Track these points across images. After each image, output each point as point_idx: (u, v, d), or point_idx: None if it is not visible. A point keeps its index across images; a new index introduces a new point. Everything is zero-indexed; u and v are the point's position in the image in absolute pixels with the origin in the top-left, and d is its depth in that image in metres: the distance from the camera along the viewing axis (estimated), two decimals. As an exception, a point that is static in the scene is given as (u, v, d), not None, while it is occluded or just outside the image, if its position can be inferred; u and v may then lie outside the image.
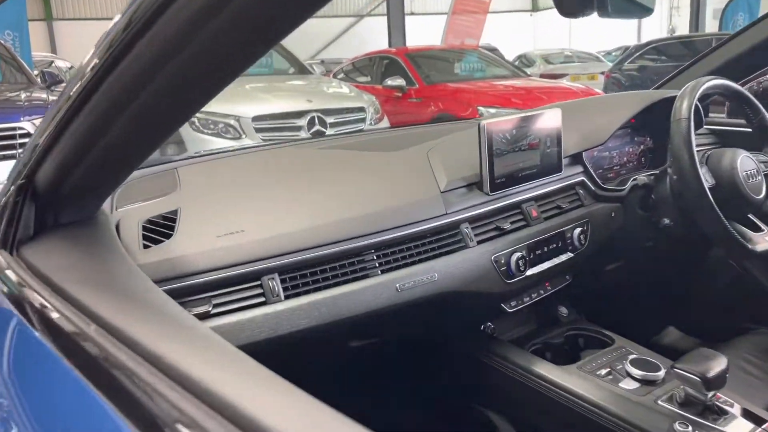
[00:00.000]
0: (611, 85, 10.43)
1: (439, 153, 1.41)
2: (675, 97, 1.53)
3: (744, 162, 1.55)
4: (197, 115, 4.95)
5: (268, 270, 1.06)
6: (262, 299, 1.05)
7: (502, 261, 1.34)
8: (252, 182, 1.27)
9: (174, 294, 0.97)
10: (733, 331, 1.93)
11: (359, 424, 0.46)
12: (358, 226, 1.16)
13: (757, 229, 1.60)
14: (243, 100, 5.13)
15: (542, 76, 10.66)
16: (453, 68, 7.47)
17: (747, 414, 1.19)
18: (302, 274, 1.10)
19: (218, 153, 1.60)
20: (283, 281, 1.07)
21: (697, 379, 1.15)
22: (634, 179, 1.70)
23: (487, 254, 1.31)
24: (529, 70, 10.14)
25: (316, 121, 5.02)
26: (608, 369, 1.35)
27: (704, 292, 2.01)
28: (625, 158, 1.85)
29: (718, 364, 1.17)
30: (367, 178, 1.30)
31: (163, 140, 0.74)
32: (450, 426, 1.50)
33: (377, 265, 1.17)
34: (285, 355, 1.12)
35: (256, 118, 4.92)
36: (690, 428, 1.13)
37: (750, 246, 1.50)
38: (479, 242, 1.32)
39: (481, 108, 5.88)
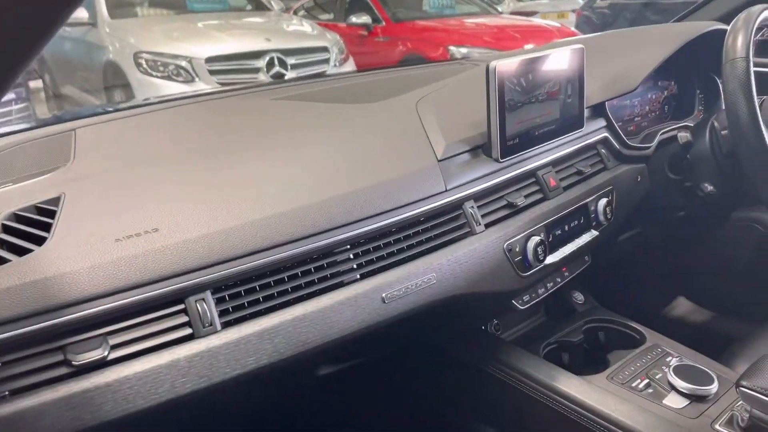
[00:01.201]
0: (583, 24, 10.07)
1: (431, 106, 1.06)
2: (724, 30, 1.20)
3: None
4: (144, 55, 4.48)
5: (195, 287, 0.72)
6: (188, 331, 0.71)
7: (517, 249, 1.02)
8: (178, 151, 0.91)
9: (43, 336, 0.64)
10: (756, 304, 1.69)
11: None
12: (326, 216, 0.82)
13: (813, 195, 1.32)
14: (195, 39, 4.69)
15: (512, 14, 10.26)
16: (421, 5, 7.05)
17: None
18: (247, 290, 0.76)
19: (148, 105, 1.23)
20: (219, 302, 0.74)
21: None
22: (663, 133, 1.39)
23: (499, 241, 0.99)
24: (499, 8, 9.73)
25: (276, 62, 4.59)
26: (646, 381, 1.06)
27: (723, 261, 1.75)
28: (647, 107, 1.53)
29: None
30: (338, 143, 0.95)
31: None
32: None
33: (354, 267, 0.84)
34: (223, 405, 0.80)
35: (210, 59, 4.47)
36: (766, 471, 0.86)
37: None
38: (487, 225, 1.00)
39: (451, 48, 5.53)
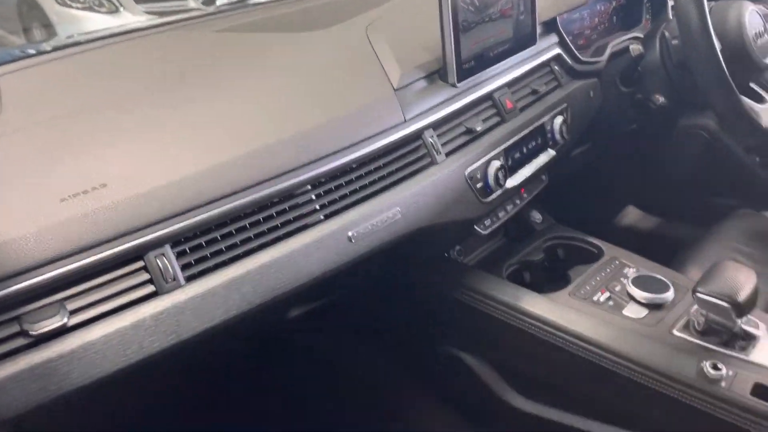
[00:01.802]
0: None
1: (382, 32, 1.01)
2: None
3: (752, 18, 1.25)
4: (60, -16, 4.14)
5: (153, 242, 0.68)
6: (151, 288, 0.68)
7: (478, 176, 1.01)
8: (118, 97, 0.84)
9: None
10: (702, 209, 1.75)
11: None
12: (284, 156, 0.78)
13: (761, 100, 1.35)
14: (114, -36, 4.35)
15: None
16: None
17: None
18: (209, 240, 0.73)
19: (76, 45, 1.13)
20: (180, 256, 0.71)
21: (726, 305, 0.91)
22: (613, 46, 1.38)
23: (460, 169, 0.98)
24: None
25: (206, -15, 4.33)
26: (607, 294, 1.09)
27: (670, 168, 1.79)
28: (596, 19, 1.51)
29: (747, 282, 0.93)
30: (290, 78, 0.89)
31: None
32: (422, 375, 1.25)
33: (318, 208, 0.82)
34: (194, 359, 0.79)
35: (132, -15, 4.17)
36: (724, 371, 0.90)
37: (758, 122, 1.24)
38: (448, 154, 0.98)
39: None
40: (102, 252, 0.65)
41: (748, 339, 0.97)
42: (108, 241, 0.65)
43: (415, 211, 0.90)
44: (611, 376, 0.98)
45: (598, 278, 1.13)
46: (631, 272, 1.14)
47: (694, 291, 0.95)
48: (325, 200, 0.82)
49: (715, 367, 0.91)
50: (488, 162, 1.02)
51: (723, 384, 0.90)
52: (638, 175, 1.83)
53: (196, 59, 0.93)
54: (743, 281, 0.93)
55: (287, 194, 0.79)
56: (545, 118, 1.17)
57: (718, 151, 1.67)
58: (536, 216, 1.33)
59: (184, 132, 0.76)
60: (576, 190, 1.65)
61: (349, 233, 0.82)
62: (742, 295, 0.91)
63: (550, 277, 1.21)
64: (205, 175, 0.72)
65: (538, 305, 1.07)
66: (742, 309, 0.91)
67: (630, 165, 1.80)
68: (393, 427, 1.27)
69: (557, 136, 1.19)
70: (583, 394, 1.04)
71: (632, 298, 1.07)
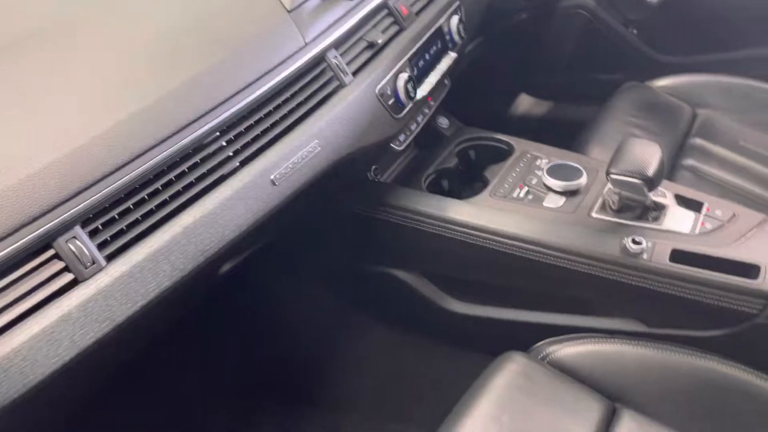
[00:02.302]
0: None
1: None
2: None
3: None
4: None
5: (60, 226, 0.61)
6: (70, 277, 0.61)
7: (388, 91, 0.97)
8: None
9: None
10: (590, 86, 1.81)
11: None
12: (184, 106, 0.71)
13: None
14: None
15: None
16: None
17: (682, 200, 1.05)
18: (122, 212, 0.66)
19: None
20: (93, 235, 0.63)
21: (639, 181, 0.96)
22: None
23: (370, 88, 0.94)
24: None
25: None
26: (525, 188, 1.12)
27: (555, 50, 1.83)
28: None
29: (654, 156, 0.97)
30: (167, 20, 0.79)
31: None
32: (358, 299, 1.24)
33: (231, 155, 0.76)
34: (135, 339, 0.73)
35: None
36: (644, 243, 0.96)
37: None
38: (355, 73, 0.93)
39: None
40: (3, 249, 0.57)
41: (659, 209, 1.03)
42: (7, 235, 0.57)
43: (334, 140, 0.86)
44: (540, 267, 1.02)
45: (513, 174, 1.15)
46: (543, 163, 1.17)
47: (608, 173, 0.98)
48: (237, 145, 0.76)
49: (635, 242, 0.96)
50: (396, 75, 0.98)
51: (645, 256, 0.95)
52: (526, 62, 1.86)
53: (52, 15, 0.80)
54: (650, 156, 0.97)
55: (197, 146, 0.72)
56: (442, 20, 1.13)
57: (598, 28, 1.71)
58: (443, 121, 1.32)
59: (63, 97, 0.66)
60: (470, 87, 1.66)
61: (272, 176, 0.77)
62: (652, 170, 0.95)
63: (467, 181, 1.22)
64: (99, 142, 0.64)
65: (461, 211, 1.08)
66: (653, 182, 0.96)
67: (517, 54, 1.82)
68: (338, 354, 1.28)
69: (455, 37, 1.16)
70: (516, 288, 1.08)
71: (549, 188, 1.10)
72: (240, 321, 1.27)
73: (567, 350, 0.95)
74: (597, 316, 1.04)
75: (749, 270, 0.92)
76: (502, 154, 1.23)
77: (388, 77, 0.96)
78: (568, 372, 0.93)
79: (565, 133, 1.70)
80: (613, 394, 0.90)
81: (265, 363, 1.28)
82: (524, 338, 0.99)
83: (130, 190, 0.66)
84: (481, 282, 1.11)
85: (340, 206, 1.11)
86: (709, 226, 1.00)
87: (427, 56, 1.09)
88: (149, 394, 1.18)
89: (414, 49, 1.04)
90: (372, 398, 1.23)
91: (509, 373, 0.91)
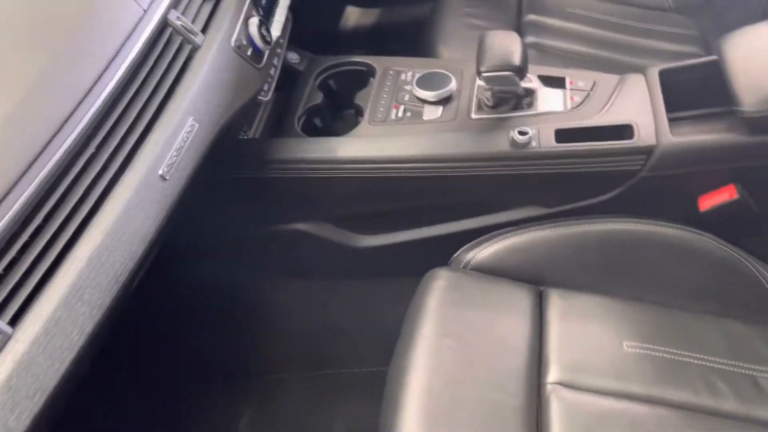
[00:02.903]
0: None
1: None
2: None
3: None
4: None
5: None
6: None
7: (244, 41, 0.88)
8: None
9: None
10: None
11: None
12: (30, 127, 0.59)
13: None
14: None
15: None
16: None
17: (546, 80, 1.09)
18: (7, 265, 0.55)
19: None
20: None
21: (509, 73, 0.97)
22: None
23: (225, 43, 0.84)
24: None
25: None
26: (401, 107, 1.10)
27: None
28: None
29: (515, 44, 0.99)
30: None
31: None
32: (273, 256, 1.18)
33: (107, 160, 0.65)
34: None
35: None
36: (529, 131, 0.99)
37: None
38: (204, 31, 0.83)
39: None
40: None
41: (530, 95, 1.07)
42: None
43: (208, 110, 0.77)
44: (438, 181, 1.02)
45: (384, 96, 1.12)
46: (409, 77, 1.15)
47: (479, 72, 0.99)
48: (110, 148, 0.66)
49: (521, 133, 0.99)
50: (246, 23, 0.89)
51: (533, 144, 0.99)
52: None
53: None
54: (512, 45, 0.98)
55: (64, 165, 0.61)
56: None
57: None
58: (293, 57, 1.24)
59: None
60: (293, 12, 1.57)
61: (159, 171, 0.68)
62: (518, 58, 0.97)
63: (340, 113, 1.18)
64: None
65: (346, 148, 1.04)
66: (522, 71, 0.98)
67: None
68: (265, 320, 1.24)
69: None
70: (420, 207, 1.09)
71: (423, 101, 1.09)
72: (163, 317, 1.18)
73: (484, 252, 0.98)
74: (501, 212, 1.08)
75: (624, 131, 0.99)
76: (365, 76, 1.19)
77: (238, 27, 0.87)
78: (490, 272, 0.96)
79: (405, 37, 1.68)
80: (536, 279, 0.95)
81: (199, 348, 1.21)
82: (441, 252, 1.01)
83: (11, 236, 0.55)
84: (385, 211, 1.09)
85: (219, 176, 1.03)
86: (577, 98, 1.05)
87: (267, -10, 1.00)
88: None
89: (254, -12, 0.95)
90: (310, 351, 1.21)
91: (439, 290, 0.92)
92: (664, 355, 0.85)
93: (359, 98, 1.14)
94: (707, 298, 0.92)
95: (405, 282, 0.99)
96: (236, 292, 1.22)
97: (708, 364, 0.84)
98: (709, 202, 0.98)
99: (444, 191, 1.05)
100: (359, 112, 1.11)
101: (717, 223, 0.98)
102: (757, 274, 0.93)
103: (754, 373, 0.84)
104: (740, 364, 0.85)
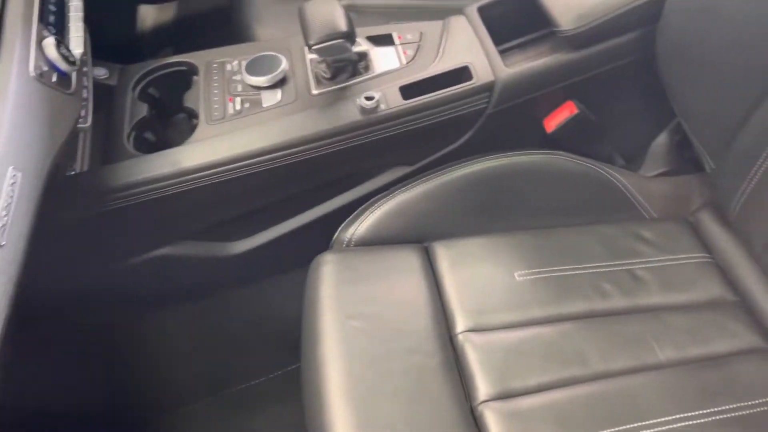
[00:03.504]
0: None
1: None
2: None
3: None
4: None
5: None
6: None
7: (44, 66, 0.76)
8: None
9: None
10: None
11: None
12: None
13: None
14: None
15: None
16: None
17: (375, 40, 1.08)
18: None
19: None
20: None
21: (340, 40, 0.95)
22: None
23: (23, 74, 0.72)
24: None
25: None
26: (237, 99, 1.03)
27: None
28: None
29: (335, 9, 0.96)
30: None
31: None
32: (139, 288, 1.07)
33: None
34: None
35: None
36: (375, 96, 0.98)
37: None
38: None
39: None
40: None
41: (364, 58, 1.05)
42: None
43: (28, 156, 0.66)
44: (297, 168, 0.98)
45: (215, 92, 1.05)
46: (235, 66, 1.08)
47: (309, 46, 0.95)
48: None
49: (368, 98, 0.97)
50: (40, 45, 0.78)
51: (382, 106, 0.98)
52: None
53: None
54: (334, 11, 0.95)
55: None
56: None
57: None
58: (101, 72, 1.12)
59: None
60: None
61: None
62: (344, 24, 0.94)
63: (173, 122, 1.08)
64: None
65: (189, 156, 0.96)
66: (352, 35, 0.96)
67: None
68: (153, 355, 1.14)
69: None
70: (285, 199, 1.04)
71: (259, 87, 1.03)
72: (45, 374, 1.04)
73: (362, 225, 0.96)
74: (368, 181, 1.07)
75: (462, 73, 1.00)
76: (187, 76, 1.10)
77: (32, 52, 0.75)
78: (374, 242, 0.95)
79: (212, 26, 1.59)
80: (419, 237, 0.96)
81: (89, 400, 1.09)
82: (321, 236, 0.98)
83: None
84: (251, 211, 1.04)
85: (59, 222, 0.90)
86: (410, 52, 1.05)
87: (51, 5, 0.87)
88: None
89: (36, 3, 0.82)
90: (212, 373, 1.13)
91: (328, 275, 0.90)
92: (553, 275, 0.89)
93: (188, 100, 1.05)
94: (577, 211, 0.98)
95: (293, 275, 0.95)
96: (116, 332, 1.11)
97: (592, 270, 0.90)
98: (553, 122, 1.04)
99: (305, 175, 1.01)
100: (193, 115, 1.03)
101: (565, 139, 1.04)
102: (609, 177, 1.00)
103: (630, 267, 0.91)
104: (617, 262, 0.92)
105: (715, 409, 0.75)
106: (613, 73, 1.03)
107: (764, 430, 0.74)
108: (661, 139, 1.12)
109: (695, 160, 0.99)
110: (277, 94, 1.02)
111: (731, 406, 0.75)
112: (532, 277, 0.89)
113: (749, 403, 0.76)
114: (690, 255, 0.93)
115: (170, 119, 1.09)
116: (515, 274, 0.89)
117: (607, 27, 0.97)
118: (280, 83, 1.03)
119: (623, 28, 0.99)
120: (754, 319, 0.86)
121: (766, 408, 0.76)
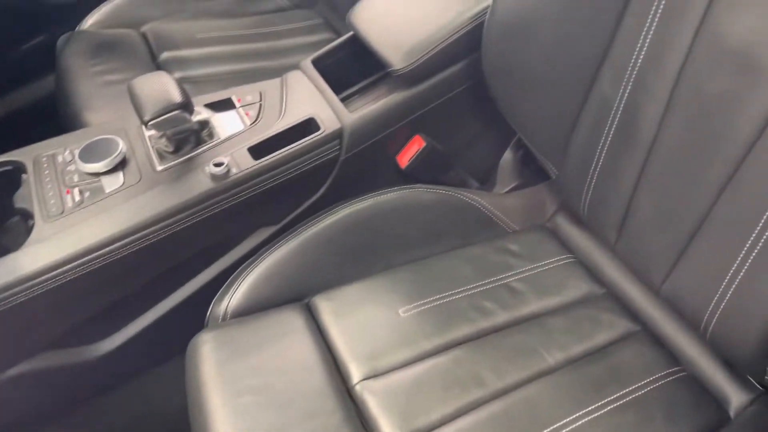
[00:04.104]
0: None
1: None
2: None
3: None
4: None
5: None
6: None
7: None
8: None
9: None
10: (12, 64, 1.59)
11: None
12: None
13: None
14: None
15: None
16: None
17: (214, 106, 1.06)
18: None
19: None
20: None
21: (177, 111, 0.92)
22: None
23: None
24: None
25: None
26: (75, 190, 0.95)
27: None
28: None
29: (168, 82, 0.94)
30: None
31: None
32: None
33: None
34: None
35: None
36: (224, 161, 0.95)
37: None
38: None
39: None
40: None
41: (206, 126, 1.02)
42: None
43: None
44: (152, 249, 0.92)
45: (49, 186, 0.96)
46: (67, 155, 1.01)
47: (145, 123, 0.91)
48: None
49: (217, 164, 0.94)
50: None
51: (234, 170, 0.95)
52: None
53: None
54: (165, 83, 0.93)
55: None
56: None
57: None
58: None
59: None
60: None
61: None
62: (178, 94, 0.92)
63: (5, 227, 0.98)
64: None
65: (29, 261, 0.87)
66: (189, 105, 0.93)
67: None
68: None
69: None
70: (150, 284, 0.97)
71: (97, 174, 0.97)
72: None
73: (236, 296, 0.92)
74: (234, 249, 1.03)
75: (309, 125, 1.01)
76: (15, 175, 1.01)
77: None
78: (251, 311, 0.91)
79: (37, 120, 1.49)
80: (297, 295, 0.93)
81: None
82: (195, 316, 0.92)
83: None
84: (112, 305, 0.95)
85: None
86: (252, 112, 1.04)
87: None
88: None
89: None
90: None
91: (207, 355, 0.85)
92: (435, 304, 0.90)
93: (20, 201, 0.96)
94: (445, 238, 1.00)
95: (173, 364, 0.88)
96: None
97: (470, 292, 0.92)
98: (405, 157, 1.07)
99: (165, 255, 0.95)
100: (28, 216, 0.94)
101: (419, 172, 1.07)
102: (467, 200, 1.04)
103: (505, 281, 0.94)
104: (491, 279, 0.94)
105: (607, 399, 0.78)
106: (452, 102, 1.08)
107: (653, 409, 0.78)
108: (507, 156, 1.18)
109: (541, 170, 1.06)
110: (119, 177, 0.96)
111: (620, 393, 0.79)
112: (416, 310, 0.89)
113: (635, 386, 0.80)
114: (555, 259, 0.98)
115: (2, 225, 0.98)
116: (399, 311, 0.89)
117: (435, 60, 1.02)
118: (121, 165, 0.97)
119: (452, 59, 1.04)
120: (621, 306, 0.92)
121: (650, 387, 0.80)
